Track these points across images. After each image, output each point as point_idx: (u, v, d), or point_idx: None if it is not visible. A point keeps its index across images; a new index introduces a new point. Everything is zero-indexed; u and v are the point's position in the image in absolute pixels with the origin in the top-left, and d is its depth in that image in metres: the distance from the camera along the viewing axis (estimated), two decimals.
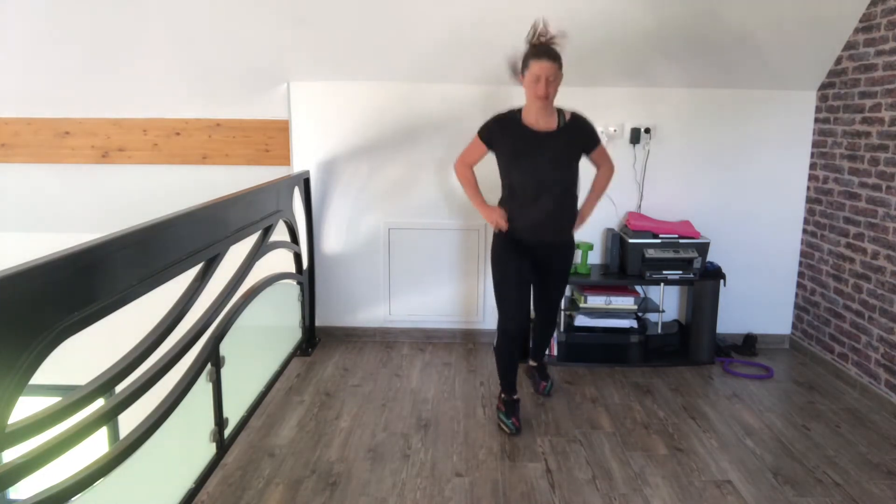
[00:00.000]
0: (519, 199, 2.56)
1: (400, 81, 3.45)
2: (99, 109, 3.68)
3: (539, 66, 2.38)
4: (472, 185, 2.70)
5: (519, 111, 2.55)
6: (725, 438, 2.63)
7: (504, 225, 2.60)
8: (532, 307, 2.86)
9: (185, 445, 2.05)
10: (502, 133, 2.56)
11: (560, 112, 2.54)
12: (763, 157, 3.52)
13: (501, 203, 2.65)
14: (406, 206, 3.60)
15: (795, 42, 3.17)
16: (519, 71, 2.50)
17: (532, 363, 3.10)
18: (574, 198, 2.63)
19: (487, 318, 3.70)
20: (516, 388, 2.75)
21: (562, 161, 2.54)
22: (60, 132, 3.74)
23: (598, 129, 2.69)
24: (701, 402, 2.96)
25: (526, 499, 2.20)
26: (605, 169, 2.73)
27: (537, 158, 2.50)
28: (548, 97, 2.42)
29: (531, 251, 2.64)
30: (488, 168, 2.67)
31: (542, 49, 2.41)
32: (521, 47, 2.50)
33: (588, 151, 2.63)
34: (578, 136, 2.58)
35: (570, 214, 2.64)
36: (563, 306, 3.44)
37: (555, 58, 2.40)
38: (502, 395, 2.75)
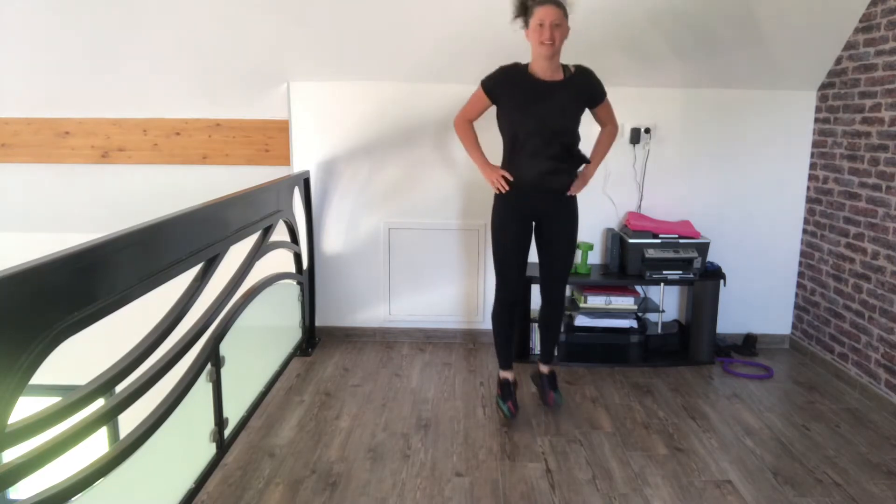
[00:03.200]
0: (524, 149, 2.50)
1: (400, 81, 3.45)
2: (99, 109, 3.68)
3: (543, 11, 2.33)
4: (472, 141, 2.64)
5: (525, 64, 2.50)
6: (725, 438, 2.63)
7: (504, 185, 2.54)
8: (540, 294, 2.81)
9: (185, 445, 2.04)
10: (508, 83, 2.50)
11: (565, 66, 2.51)
12: (763, 157, 3.52)
13: (503, 162, 2.60)
14: (406, 206, 3.60)
15: (795, 42, 3.17)
16: (524, 22, 2.42)
17: (542, 369, 2.92)
18: (577, 151, 2.57)
19: (487, 318, 3.69)
20: (511, 363, 2.75)
21: (569, 110, 2.50)
22: (60, 132, 3.74)
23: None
24: (701, 402, 2.96)
25: (526, 499, 2.20)
26: (610, 128, 2.68)
27: (546, 108, 2.45)
28: (553, 42, 2.35)
29: (533, 213, 2.61)
30: (489, 139, 2.63)
31: None
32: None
33: (594, 104, 2.59)
34: (585, 86, 2.54)
35: (573, 166, 2.59)
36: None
37: (559, 3, 2.34)
38: (500, 376, 2.75)
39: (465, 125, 2.64)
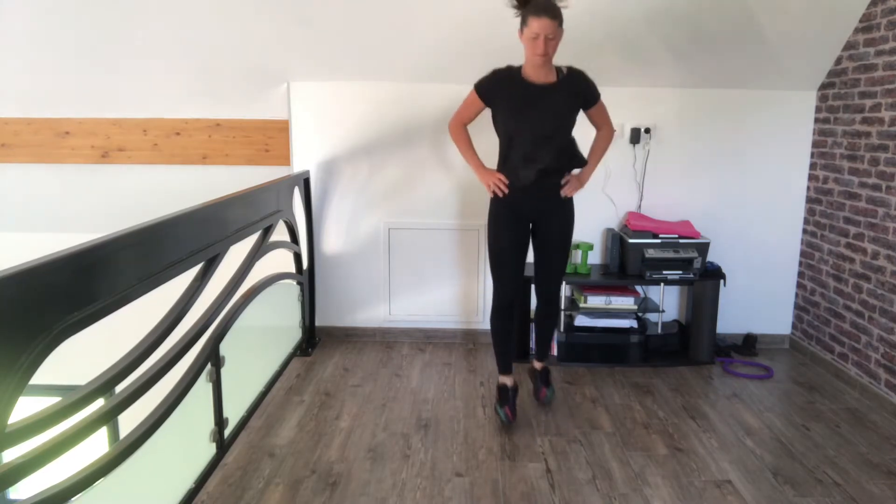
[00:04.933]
0: (518, 152, 2.50)
1: (400, 81, 3.45)
2: (99, 109, 3.68)
3: (538, 24, 2.29)
4: (467, 145, 2.63)
5: (518, 67, 2.49)
6: (725, 438, 2.63)
7: (502, 188, 2.53)
8: (534, 293, 2.81)
9: (185, 445, 2.04)
10: (501, 87, 2.49)
11: (558, 68, 2.49)
12: (763, 157, 3.52)
13: (498, 166, 2.60)
14: (406, 206, 3.60)
15: (795, 42, 3.17)
16: (518, 11, 2.40)
17: (535, 365, 2.98)
18: (571, 154, 2.56)
19: (487, 318, 3.68)
20: (511, 368, 2.73)
21: (562, 113, 2.49)
22: (60, 132, 3.74)
23: None
24: (701, 402, 2.96)
25: (526, 499, 2.20)
26: (606, 131, 2.66)
27: (538, 111, 2.44)
28: (546, 55, 2.35)
29: (529, 215, 2.60)
30: (484, 140, 2.63)
31: (542, 4, 2.30)
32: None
33: (588, 105, 2.57)
34: (579, 88, 2.51)
35: (568, 169, 2.58)
36: (563, 306, 3.45)
37: (555, 14, 2.32)
38: (499, 381, 2.73)
39: (459, 129, 2.63)
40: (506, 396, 2.70)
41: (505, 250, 2.61)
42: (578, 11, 2.97)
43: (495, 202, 2.61)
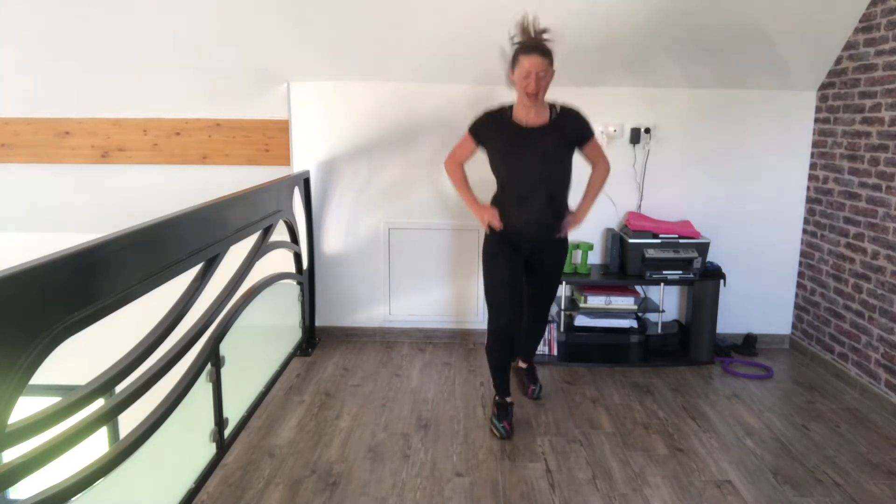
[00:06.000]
0: (511, 195, 2.52)
1: (400, 81, 3.45)
2: (99, 109, 3.68)
3: (529, 61, 2.32)
4: (462, 183, 2.66)
5: (510, 107, 2.50)
6: (725, 438, 2.63)
7: (497, 224, 2.55)
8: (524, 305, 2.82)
9: (185, 445, 2.05)
10: (493, 130, 2.52)
11: (552, 106, 2.49)
12: (763, 157, 3.52)
13: (494, 200, 2.61)
14: (406, 206, 3.60)
15: (795, 42, 3.17)
16: (509, 67, 2.43)
17: (521, 364, 3.04)
18: (566, 196, 2.58)
19: (487, 318, 3.70)
20: (509, 390, 2.72)
21: (554, 156, 2.48)
22: (60, 132, 3.74)
23: (598, 128, 2.66)
24: (701, 402, 2.96)
25: (526, 499, 2.20)
26: (601, 167, 2.66)
27: (529, 155, 2.45)
28: (537, 94, 2.36)
29: (523, 249, 2.61)
30: (483, 166, 2.64)
31: (532, 44, 2.34)
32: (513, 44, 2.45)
33: (581, 144, 2.57)
34: (570, 128, 2.51)
35: (562, 212, 2.59)
36: (563, 306, 3.45)
37: (545, 53, 2.33)
38: (496, 399, 2.72)
39: (455, 167, 2.66)
40: (504, 411, 2.67)
41: (501, 282, 2.60)
42: (579, 12, 2.99)
43: (490, 236, 2.62)
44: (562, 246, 2.71)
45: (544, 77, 2.35)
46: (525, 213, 2.51)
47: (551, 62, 2.36)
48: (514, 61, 2.38)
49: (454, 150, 2.66)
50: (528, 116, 2.46)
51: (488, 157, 2.58)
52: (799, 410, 2.89)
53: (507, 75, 2.47)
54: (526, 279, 2.72)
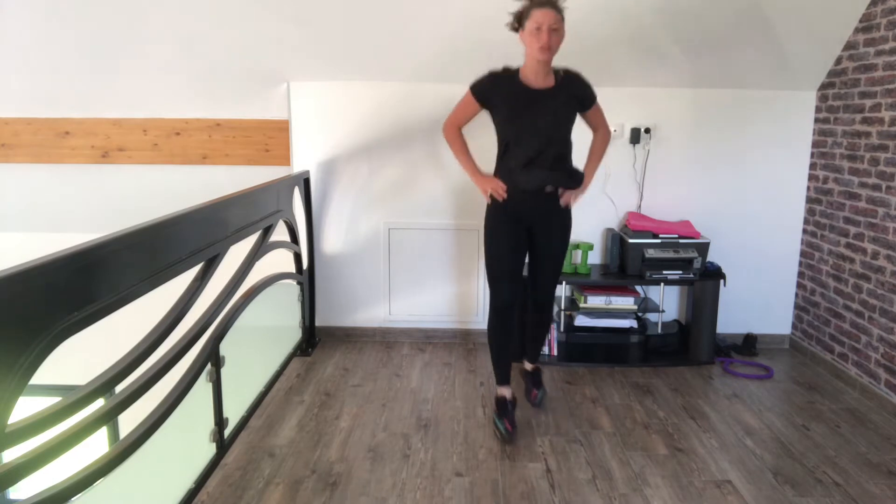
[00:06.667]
0: (518, 158, 2.44)
1: (400, 81, 3.45)
2: (99, 109, 3.68)
3: (542, 14, 2.26)
4: (462, 150, 2.54)
5: (517, 70, 2.45)
6: (725, 438, 2.63)
7: (501, 194, 2.47)
8: (528, 295, 2.76)
9: (185, 445, 2.05)
10: (498, 90, 2.44)
11: (556, 71, 2.46)
12: (763, 157, 3.52)
13: (497, 169, 2.53)
14: (406, 206, 3.60)
15: (795, 42, 3.17)
16: (518, 25, 2.36)
17: (527, 366, 2.97)
18: (570, 159, 2.53)
19: (487, 318, 3.70)
20: (509, 378, 2.68)
21: (561, 118, 2.45)
22: (60, 132, 3.74)
23: None
24: (701, 402, 2.96)
25: (526, 499, 2.20)
26: (602, 133, 2.63)
27: (539, 117, 2.40)
28: (550, 48, 2.30)
29: (527, 220, 2.54)
30: (477, 136, 2.62)
31: None
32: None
33: (585, 108, 2.54)
34: (575, 91, 2.48)
35: (567, 174, 2.52)
36: (563, 306, 3.45)
37: (557, 7, 2.29)
38: (497, 393, 2.70)
39: (454, 131, 2.55)
40: (504, 409, 2.64)
41: (504, 255, 2.55)
42: (579, 11, 2.98)
43: (493, 207, 2.55)
44: (566, 218, 2.61)
45: (557, 31, 2.29)
46: (530, 173, 2.44)
47: (562, 19, 2.31)
48: (525, 17, 2.32)
49: (453, 113, 2.53)
50: (537, 78, 2.40)
51: (493, 119, 2.50)
52: (799, 410, 2.89)
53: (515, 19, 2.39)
54: (530, 258, 2.66)
